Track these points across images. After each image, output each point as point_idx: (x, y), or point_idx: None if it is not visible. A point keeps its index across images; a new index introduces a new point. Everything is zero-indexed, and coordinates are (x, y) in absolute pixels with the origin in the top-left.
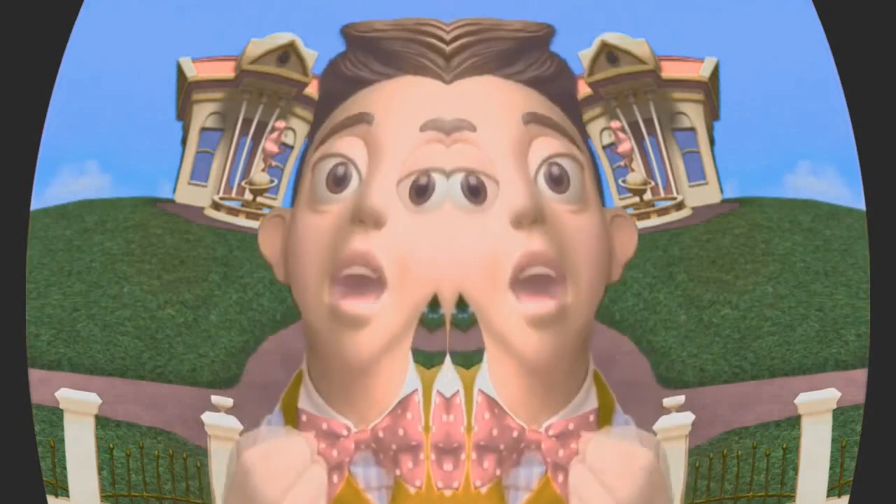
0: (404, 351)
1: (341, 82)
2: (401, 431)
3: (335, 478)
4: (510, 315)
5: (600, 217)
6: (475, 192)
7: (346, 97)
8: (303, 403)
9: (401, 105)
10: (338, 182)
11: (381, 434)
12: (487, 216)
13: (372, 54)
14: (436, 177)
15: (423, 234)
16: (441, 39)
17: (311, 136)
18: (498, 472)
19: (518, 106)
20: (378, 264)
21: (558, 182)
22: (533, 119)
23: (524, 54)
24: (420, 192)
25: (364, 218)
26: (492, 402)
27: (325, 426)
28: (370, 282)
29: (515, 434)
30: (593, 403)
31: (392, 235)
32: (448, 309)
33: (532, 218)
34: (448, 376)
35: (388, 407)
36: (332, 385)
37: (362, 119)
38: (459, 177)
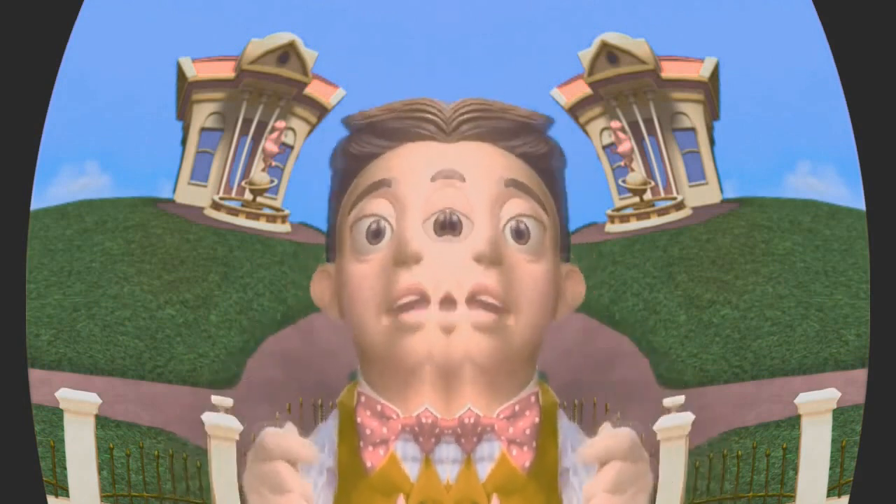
0: None
1: (352, 160)
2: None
3: (381, 451)
4: (462, 319)
5: (553, 268)
6: (453, 226)
7: (359, 170)
8: (361, 389)
9: (412, 167)
10: (375, 235)
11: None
12: (461, 247)
13: (374, 135)
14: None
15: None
16: (440, 119)
17: (335, 203)
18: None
19: (502, 171)
20: (424, 290)
21: (520, 236)
22: (512, 184)
23: (521, 134)
24: (444, 225)
25: (407, 260)
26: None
27: (379, 408)
28: (417, 301)
29: (472, 420)
30: (534, 388)
31: (429, 265)
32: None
33: (489, 260)
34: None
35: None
36: (386, 383)
37: (383, 184)
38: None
